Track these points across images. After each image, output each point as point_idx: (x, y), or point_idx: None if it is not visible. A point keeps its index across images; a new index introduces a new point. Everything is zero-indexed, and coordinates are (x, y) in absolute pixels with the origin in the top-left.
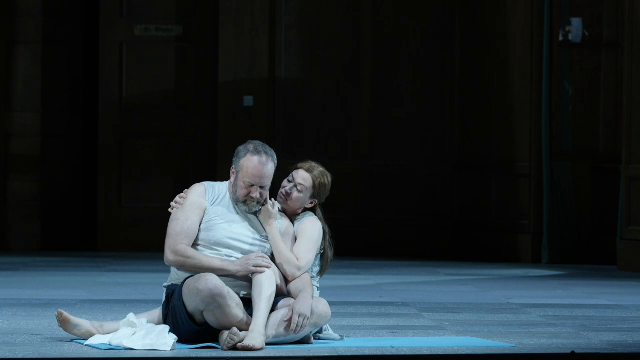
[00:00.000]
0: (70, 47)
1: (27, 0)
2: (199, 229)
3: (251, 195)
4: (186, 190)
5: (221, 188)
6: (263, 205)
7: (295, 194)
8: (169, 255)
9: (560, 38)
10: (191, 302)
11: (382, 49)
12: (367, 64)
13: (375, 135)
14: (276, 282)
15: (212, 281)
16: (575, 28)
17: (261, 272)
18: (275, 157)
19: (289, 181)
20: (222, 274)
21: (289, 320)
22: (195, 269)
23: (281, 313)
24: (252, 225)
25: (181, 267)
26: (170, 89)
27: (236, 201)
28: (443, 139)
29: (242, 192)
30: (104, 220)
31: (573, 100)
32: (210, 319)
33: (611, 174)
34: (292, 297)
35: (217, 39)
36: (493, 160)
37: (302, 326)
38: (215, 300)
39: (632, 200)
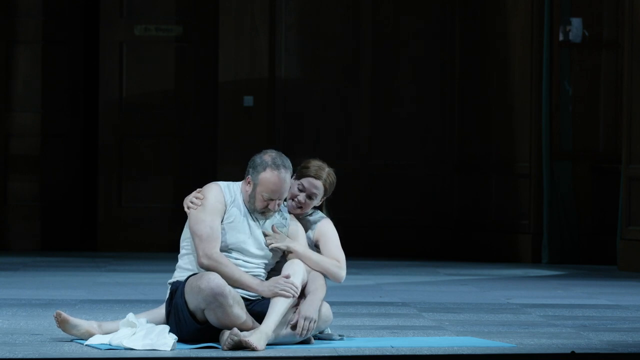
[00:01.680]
0: (70, 47)
1: (27, 0)
2: None
3: (269, 207)
4: (199, 189)
5: (235, 189)
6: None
7: (308, 202)
8: (203, 259)
9: (560, 38)
10: (193, 300)
11: (382, 49)
12: (367, 64)
13: (375, 135)
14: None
15: (214, 280)
16: (575, 28)
17: (287, 297)
18: (291, 167)
19: (300, 189)
20: (248, 290)
21: (295, 324)
22: (224, 276)
23: (287, 315)
24: (263, 229)
25: (212, 271)
26: (170, 89)
27: (253, 210)
28: (443, 139)
29: (260, 205)
30: (104, 220)
31: (573, 100)
32: (212, 317)
33: (611, 174)
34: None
35: (217, 39)
36: (493, 160)
37: (308, 329)
38: (216, 299)
39: (632, 200)
